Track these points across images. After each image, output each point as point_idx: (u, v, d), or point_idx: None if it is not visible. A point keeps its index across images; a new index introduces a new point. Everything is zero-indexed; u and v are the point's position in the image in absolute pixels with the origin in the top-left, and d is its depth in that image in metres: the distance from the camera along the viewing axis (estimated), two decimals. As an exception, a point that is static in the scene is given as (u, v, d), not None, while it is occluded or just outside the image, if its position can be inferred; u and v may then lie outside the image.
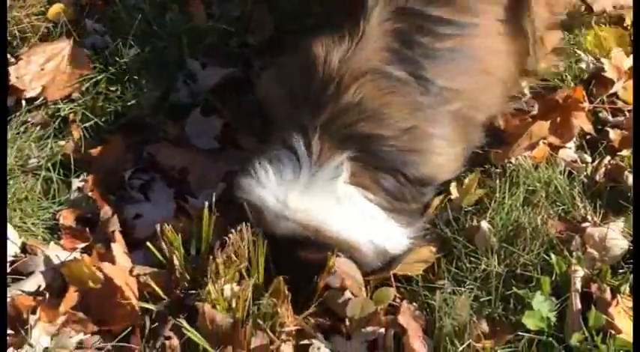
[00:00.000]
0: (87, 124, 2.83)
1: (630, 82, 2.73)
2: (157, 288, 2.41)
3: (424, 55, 2.40)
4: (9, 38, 3.01)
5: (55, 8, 3.11)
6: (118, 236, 2.54)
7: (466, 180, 2.58)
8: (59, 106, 2.87)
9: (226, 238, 2.34)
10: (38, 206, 2.66)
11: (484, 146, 2.62)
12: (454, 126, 2.45)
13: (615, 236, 2.39)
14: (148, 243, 2.45)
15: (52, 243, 2.58)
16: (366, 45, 2.39)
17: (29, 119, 2.83)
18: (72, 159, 2.74)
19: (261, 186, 2.37)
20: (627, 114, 2.70)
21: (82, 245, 2.59)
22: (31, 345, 2.31)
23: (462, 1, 2.44)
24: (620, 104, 2.74)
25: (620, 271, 2.36)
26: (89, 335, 2.41)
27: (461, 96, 2.44)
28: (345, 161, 2.35)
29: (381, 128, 2.37)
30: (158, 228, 2.45)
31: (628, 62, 2.75)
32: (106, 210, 2.65)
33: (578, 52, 2.84)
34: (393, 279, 2.42)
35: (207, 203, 2.43)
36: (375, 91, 2.37)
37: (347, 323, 2.35)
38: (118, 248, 2.51)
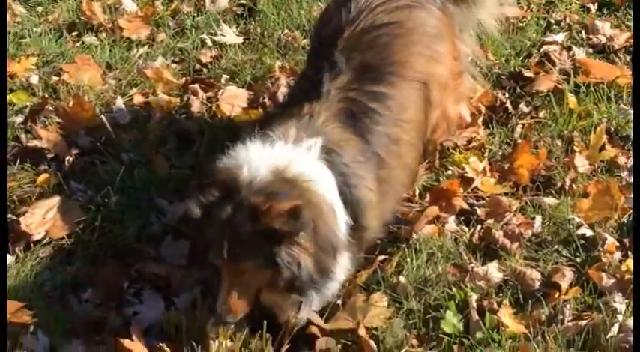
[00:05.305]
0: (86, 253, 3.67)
1: (485, 178, 3.82)
2: None
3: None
4: (9, 203, 3.84)
5: (42, 177, 3.99)
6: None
7: (393, 258, 3.53)
8: (64, 242, 3.69)
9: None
10: (54, 315, 3.43)
11: (394, 227, 3.60)
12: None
13: (493, 271, 3.41)
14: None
15: (72, 340, 3.34)
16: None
17: (40, 254, 3.65)
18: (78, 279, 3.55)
19: None
20: (486, 198, 3.78)
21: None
22: None
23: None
24: (480, 193, 3.82)
25: (500, 294, 3.37)
26: None
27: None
28: None
29: None
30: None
31: (480, 165, 3.85)
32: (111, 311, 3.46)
33: (447, 165, 3.94)
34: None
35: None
36: None
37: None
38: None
